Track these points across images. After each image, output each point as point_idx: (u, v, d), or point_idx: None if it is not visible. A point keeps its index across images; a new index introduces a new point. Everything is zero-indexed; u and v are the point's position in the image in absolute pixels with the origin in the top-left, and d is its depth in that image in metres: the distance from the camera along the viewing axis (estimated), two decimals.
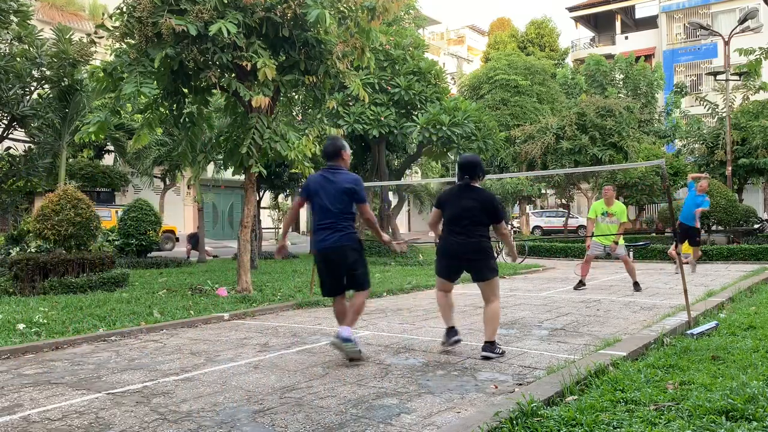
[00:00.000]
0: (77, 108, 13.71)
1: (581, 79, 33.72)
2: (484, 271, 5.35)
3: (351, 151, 5.69)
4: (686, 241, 14.90)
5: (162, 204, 26.33)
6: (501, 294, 5.46)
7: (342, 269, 5.20)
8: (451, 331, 5.66)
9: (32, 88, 13.73)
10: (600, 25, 45.05)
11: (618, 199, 11.31)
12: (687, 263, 12.66)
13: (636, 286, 9.87)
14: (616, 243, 9.93)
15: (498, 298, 5.46)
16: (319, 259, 5.26)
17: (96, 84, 9.67)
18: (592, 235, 10.25)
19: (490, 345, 5.32)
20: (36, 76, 13.41)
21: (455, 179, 5.69)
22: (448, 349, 5.62)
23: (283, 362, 5.27)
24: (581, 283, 10.41)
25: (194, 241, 19.75)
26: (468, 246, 5.31)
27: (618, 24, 43.19)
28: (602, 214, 10.10)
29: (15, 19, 12.59)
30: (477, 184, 5.47)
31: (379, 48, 15.44)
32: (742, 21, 19.24)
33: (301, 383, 4.56)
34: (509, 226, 38.35)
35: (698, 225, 12.45)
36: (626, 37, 41.86)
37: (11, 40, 12.95)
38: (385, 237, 5.87)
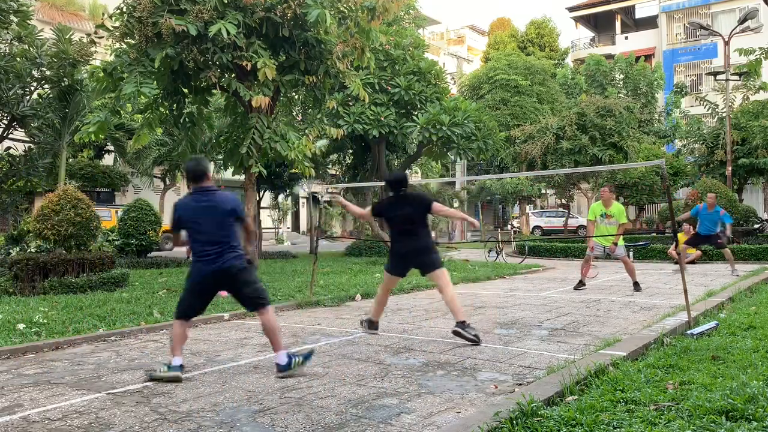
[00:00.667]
0: (77, 108, 13.71)
1: (581, 79, 33.73)
2: (432, 265, 6.02)
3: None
4: (684, 239, 14.95)
5: (162, 204, 26.34)
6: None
7: (233, 290, 4.91)
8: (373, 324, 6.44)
9: (32, 88, 13.73)
10: (600, 25, 45.05)
11: (618, 200, 11.33)
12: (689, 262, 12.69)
13: (636, 286, 9.87)
14: (616, 244, 9.91)
15: (450, 285, 6.06)
16: (199, 280, 4.83)
17: (96, 84, 9.68)
18: (593, 236, 10.24)
19: (461, 324, 5.84)
20: (36, 76, 13.42)
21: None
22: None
23: None
24: (581, 283, 10.41)
25: None
26: (416, 246, 6.04)
27: (618, 24, 43.20)
28: (601, 215, 10.09)
29: (15, 19, 12.59)
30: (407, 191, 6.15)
31: (379, 48, 15.44)
32: (742, 21, 19.23)
33: (301, 383, 4.56)
34: (509, 226, 38.52)
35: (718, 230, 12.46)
36: (626, 37, 41.86)
37: (11, 40, 12.95)
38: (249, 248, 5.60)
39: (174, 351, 4.78)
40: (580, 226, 32.26)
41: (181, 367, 4.74)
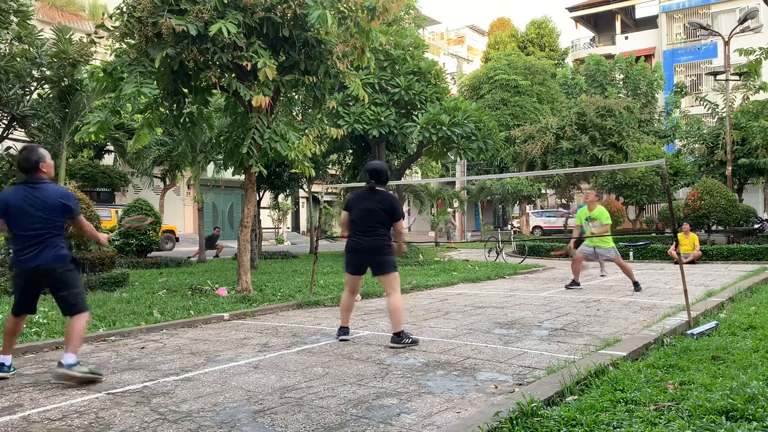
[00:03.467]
0: (77, 108, 13.71)
1: (581, 79, 33.75)
2: (384, 267, 5.94)
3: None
4: (685, 241, 14.90)
5: (162, 204, 26.35)
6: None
7: (51, 290, 4.82)
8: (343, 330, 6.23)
9: (32, 88, 13.73)
10: (600, 25, 45.06)
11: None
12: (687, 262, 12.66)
13: (636, 286, 9.87)
14: (600, 246, 10.13)
15: (397, 292, 5.99)
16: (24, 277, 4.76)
17: (96, 84, 9.67)
18: (579, 237, 10.56)
19: (396, 336, 5.82)
20: (36, 76, 13.41)
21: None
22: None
23: (283, 362, 5.27)
24: (574, 283, 10.47)
25: (211, 242, 20.02)
26: (372, 245, 5.91)
27: (618, 24, 43.21)
28: (586, 219, 10.37)
29: (15, 19, 12.58)
30: (381, 189, 6.04)
31: (379, 48, 15.43)
32: (742, 21, 19.23)
33: (301, 383, 4.56)
34: (509, 226, 38.47)
35: None
36: (626, 37, 41.87)
37: (11, 40, 12.94)
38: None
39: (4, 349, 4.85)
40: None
41: (9, 368, 4.84)
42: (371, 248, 5.92)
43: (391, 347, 5.77)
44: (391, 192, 6.51)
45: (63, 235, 4.75)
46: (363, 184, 6.59)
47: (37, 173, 4.69)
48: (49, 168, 4.76)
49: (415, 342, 5.85)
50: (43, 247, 4.61)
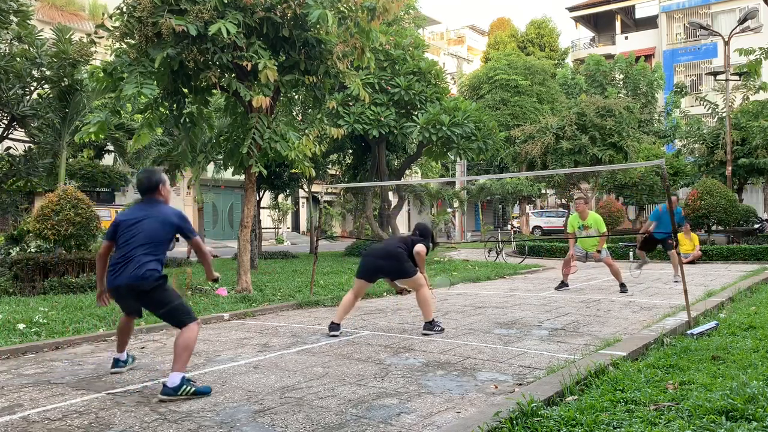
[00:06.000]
0: (77, 108, 13.70)
1: (581, 79, 33.74)
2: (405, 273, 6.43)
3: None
4: (685, 241, 14.88)
5: None
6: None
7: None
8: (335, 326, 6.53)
9: (32, 88, 13.72)
10: (600, 25, 45.06)
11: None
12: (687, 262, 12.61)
13: (622, 287, 9.80)
14: (599, 251, 10.00)
15: (424, 287, 6.45)
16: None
17: (96, 84, 9.66)
18: (574, 238, 10.36)
19: (429, 324, 6.39)
20: (36, 76, 13.40)
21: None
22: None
23: (283, 362, 5.27)
24: (563, 284, 10.42)
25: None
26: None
27: (618, 24, 43.21)
28: (579, 228, 10.15)
29: (15, 19, 12.57)
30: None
31: (379, 48, 15.43)
32: (742, 21, 19.23)
33: (301, 383, 4.56)
34: (509, 226, 38.47)
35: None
36: (626, 37, 41.87)
37: (11, 40, 12.94)
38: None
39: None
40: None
41: (125, 362, 5.02)
42: (389, 255, 6.47)
43: (424, 334, 6.33)
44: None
45: (161, 255, 4.61)
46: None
47: (155, 195, 4.75)
48: (167, 193, 4.86)
49: (442, 330, 6.46)
50: (136, 265, 4.46)
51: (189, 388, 4.23)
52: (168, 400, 4.16)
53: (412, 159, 20.36)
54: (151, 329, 6.87)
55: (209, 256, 4.86)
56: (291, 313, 8.20)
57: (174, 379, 4.21)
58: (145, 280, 4.41)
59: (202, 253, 4.76)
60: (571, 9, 44.35)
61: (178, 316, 4.51)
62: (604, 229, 10.10)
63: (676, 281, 11.42)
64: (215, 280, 5.00)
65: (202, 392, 4.28)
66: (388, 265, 6.41)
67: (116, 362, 5.01)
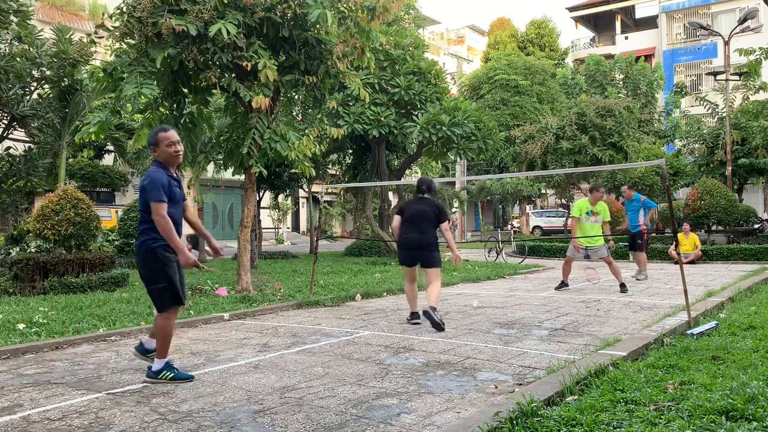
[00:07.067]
0: (77, 108, 13.71)
1: (581, 79, 33.74)
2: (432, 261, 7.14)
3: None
4: (684, 241, 14.86)
5: None
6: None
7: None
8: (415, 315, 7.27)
9: (32, 88, 13.73)
10: (600, 25, 45.07)
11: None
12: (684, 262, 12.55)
13: (622, 287, 9.78)
14: (591, 246, 10.00)
15: (438, 280, 7.25)
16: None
17: (96, 84, 9.67)
18: (577, 237, 10.22)
19: (432, 309, 6.72)
20: (36, 76, 13.41)
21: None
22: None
23: (283, 362, 5.27)
24: (563, 284, 10.39)
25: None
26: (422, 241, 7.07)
27: (618, 24, 43.22)
28: (587, 213, 10.12)
29: (15, 19, 12.58)
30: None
31: (379, 48, 15.43)
32: (742, 21, 19.23)
33: (301, 383, 4.56)
34: (509, 226, 38.49)
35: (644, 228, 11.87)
36: (626, 37, 41.88)
37: (11, 40, 12.95)
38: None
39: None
40: None
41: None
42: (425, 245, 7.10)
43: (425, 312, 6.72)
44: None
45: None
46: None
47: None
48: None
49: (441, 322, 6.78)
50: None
51: (168, 373, 4.60)
52: (150, 382, 4.60)
53: (412, 159, 20.36)
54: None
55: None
56: (291, 313, 8.20)
57: (157, 365, 4.64)
58: None
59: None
60: (571, 9, 44.36)
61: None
62: (608, 217, 10.15)
63: (638, 279, 11.58)
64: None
65: (182, 378, 4.62)
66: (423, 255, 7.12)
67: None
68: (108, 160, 25.24)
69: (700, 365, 4.54)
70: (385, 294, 10.02)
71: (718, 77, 21.65)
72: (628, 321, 7.08)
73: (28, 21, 12.83)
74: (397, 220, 7.20)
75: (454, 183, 35.46)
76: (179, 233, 4.59)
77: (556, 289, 10.39)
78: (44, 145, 14.23)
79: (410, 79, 16.44)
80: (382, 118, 15.86)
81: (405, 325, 7.13)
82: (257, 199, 17.23)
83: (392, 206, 20.34)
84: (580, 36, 46.13)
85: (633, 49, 37.89)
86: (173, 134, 4.71)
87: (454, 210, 37.18)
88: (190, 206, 5.11)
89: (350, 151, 20.64)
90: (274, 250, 22.24)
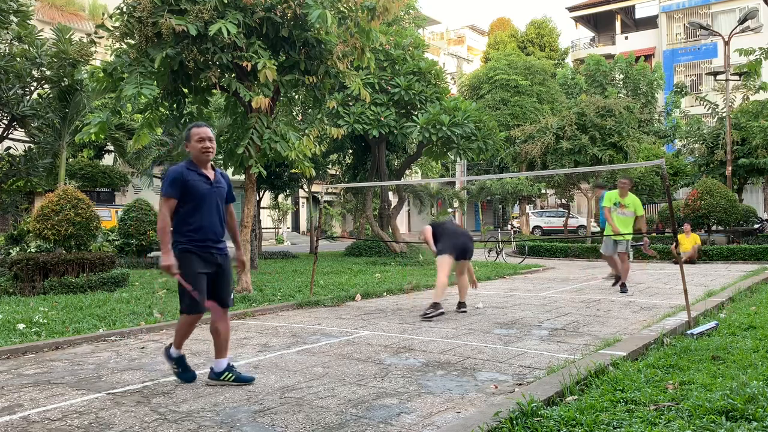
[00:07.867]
0: (77, 108, 13.71)
1: (581, 79, 33.75)
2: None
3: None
4: (684, 241, 14.85)
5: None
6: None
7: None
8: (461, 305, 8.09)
9: (32, 88, 13.73)
10: (600, 25, 45.08)
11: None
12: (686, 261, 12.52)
13: (623, 287, 9.69)
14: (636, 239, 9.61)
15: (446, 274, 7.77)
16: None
17: (96, 84, 9.67)
18: (610, 233, 9.84)
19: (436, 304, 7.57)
20: (36, 76, 13.41)
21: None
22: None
23: (283, 362, 5.27)
24: (621, 283, 9.88)
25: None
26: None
27: (618, 24, 43.22)
28: (615, 204, 9.75)
29: (15, 19, 12.59)
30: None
31: (379, 48, 15.43)
32: (742, 21, 19.23)
33: (301, 383, 4.56)
34: (509, 226, 38.47)
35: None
36: (626, 37, 41.89)
37: (11, 40, 12.95)
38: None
39: None
40: (580, 226, 32.25)
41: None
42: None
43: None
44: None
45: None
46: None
47: None
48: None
49: (442, 313, 7.59)
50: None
51: (178, 369, 4.66)
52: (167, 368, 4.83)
53: (412, 159, 20.37)
54: (151, 329, 6.87)
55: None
56: (291, 313, 8.20)
57: (173, 352, 4.68)
58: None
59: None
60: (571, 9, 44.36)
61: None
62: (642, 212, 9.73)
63: (605, 279, 11.56)
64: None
65: (182, 379, 4.67)
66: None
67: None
68: (108, 160, 25.24)
69: (700, 365, 4.54)
70: (385, 294, 10.02)
71: (718, 77, 21.66)
72: (628, 321, 7.08)
73: (28, 21, 12.84)
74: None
75: (454, 183, 35.46)
76: (213, 236, 4.41)
77: (619, 288, 9.79)
78: (44, 145, 14.23)
79: (410, 79, 16.44)
80: (382, 118, 15.86)
81: (405, 325, 7.13)
82: (257, 199, 17.24)
83: (392, 206, 20.35)
84: (580, 36, 46.14)
85: (633, 49, 37.90)
86: (205, 130, 4.57)
87: (453, 210, 37.20)
88: (234, 212, 4.82)
89: (350, 151, 20.63)
90: (274, 250, 22.24)
